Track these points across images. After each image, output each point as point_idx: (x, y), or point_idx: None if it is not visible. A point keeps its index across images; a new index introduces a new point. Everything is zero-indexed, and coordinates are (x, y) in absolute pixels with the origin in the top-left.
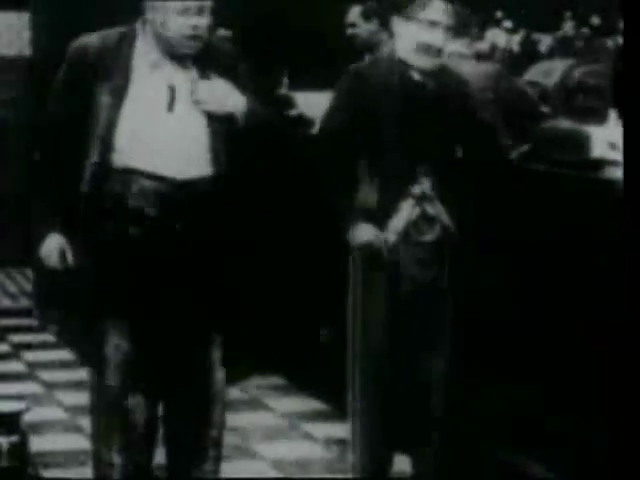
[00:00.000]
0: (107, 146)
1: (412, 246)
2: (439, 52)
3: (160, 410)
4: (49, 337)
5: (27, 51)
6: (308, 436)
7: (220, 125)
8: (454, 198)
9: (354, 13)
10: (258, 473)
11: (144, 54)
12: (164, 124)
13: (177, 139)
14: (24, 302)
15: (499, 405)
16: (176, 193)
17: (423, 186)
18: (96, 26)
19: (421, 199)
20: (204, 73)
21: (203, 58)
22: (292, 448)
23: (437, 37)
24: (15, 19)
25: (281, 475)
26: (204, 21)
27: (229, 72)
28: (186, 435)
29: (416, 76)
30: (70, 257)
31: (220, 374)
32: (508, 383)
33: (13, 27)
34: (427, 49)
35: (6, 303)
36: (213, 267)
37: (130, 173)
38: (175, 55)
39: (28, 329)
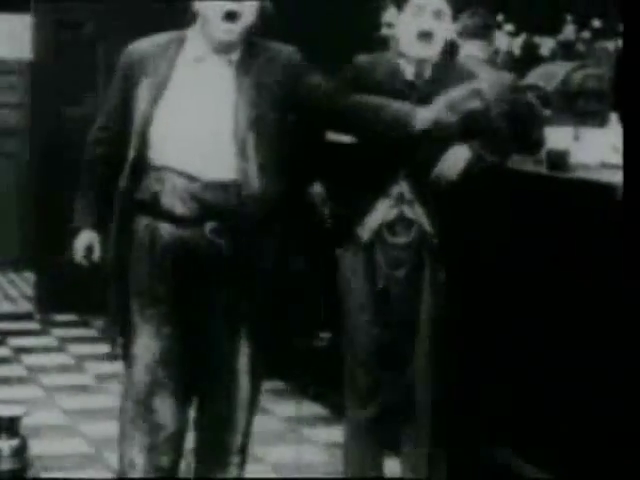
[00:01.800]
0: (143, 142)
1: (384, 246)
2: (433, 37)
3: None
4: (49, 341)
5: (28, 54)
6: (308, 440)
7: (250, 126)
8: (435, 201)
9: (391, 13)
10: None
11: (190, 52)
12: (199, 122)
13: (210, 138)
14: (24, 306)
15: (498, 405)
16: (206, 193)
17: (402, 187)
18: (99, 29)
19: (399, 200)
20: (247, 69)
21: (248, 54)
22: (292, 452)
23: (427, 21)
24: (16, 22)
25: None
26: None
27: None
28: (210, 440)
29: (407, 75)
30: (97, 255)
31: (246, 381)
32: (508, 383)
33: (14, 30)
34: (421, 35)
35: (6, 307)
36: (242, 269)
37: (164, 170)
38: (215, 43)
39: (28, 333)
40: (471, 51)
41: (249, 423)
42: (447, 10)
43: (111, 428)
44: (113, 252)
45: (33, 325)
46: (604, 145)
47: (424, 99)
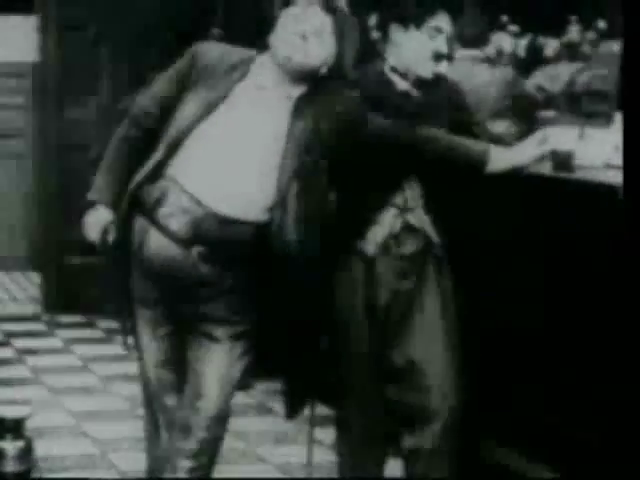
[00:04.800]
0: (172, 150)
1: (390, 258)
2: (442, 59)
3: None
4: (55, 342)
5: (33, 56)
6: (315, 440)
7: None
8: (440, 207)
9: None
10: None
11: (253, 78)
12: (233, 156)
13: (238, 174)
14: (30, 307)
15: (500, 405)
16: (205, 221)
17: (405, 195)
18: (101, 31)
19: (404, 209)
20: (304, 111)
21: (309, 94)
22: (298, 452)
23: (443, 44)
24: (21, 23)
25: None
26: (316, 40)
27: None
28: (169, 442)
29: (401, 86)
30: (111, 237)
31: (215, 385)
32: (508, 383)
33: (19, 31)
34: (436, 57)
35: (12, 308)
36: (225, 296)
37: (174, 183)
38: (281, 67)
39: (34, 334)
40: (467, 53)
41: (211, 429)
42: (449, 30)
43: (117, 429)
44: (116, 239)
45: (39, 326)
46: (609, 146)
47: (417, 109)
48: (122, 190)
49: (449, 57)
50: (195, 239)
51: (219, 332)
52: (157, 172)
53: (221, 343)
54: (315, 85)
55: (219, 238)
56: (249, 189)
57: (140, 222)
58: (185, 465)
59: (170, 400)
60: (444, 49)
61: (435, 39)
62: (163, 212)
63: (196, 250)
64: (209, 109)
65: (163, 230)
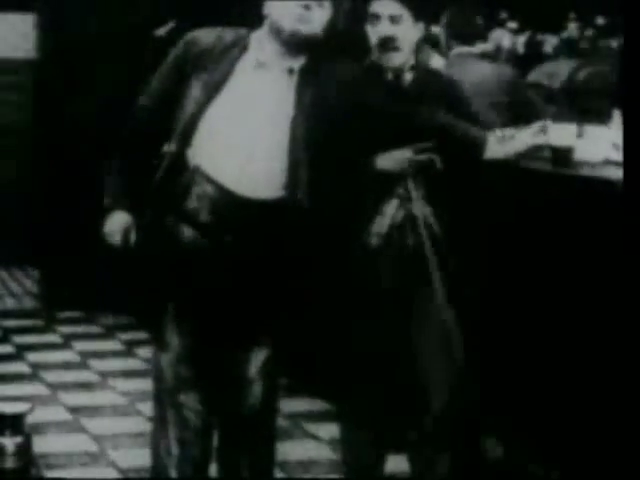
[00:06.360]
0: (185, 140)
1: (393, 249)
2: (390, 42)
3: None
4: (54, 338)
5: (32, 53)
6: (313, 436)
7: (303, 148)
8: (443, 199)
9: None
10: None
11: (252, 56)
12: (248, 136)
13: (258, 154)
14: (28, 303)
15: (499, 404)
16: (233, 207)
17: (408, 186)
18: (99, 28)
19: (406, 200)
20: (308, 82)
21: (311, 66)
22: (297, 448)
23: (384, 28)
24: (20, 21)
25: (285, 476)
26: (318, 8)
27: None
28: (220, 442)
29: (390, 76)
30: (133, 237)
31: (257, 388)
32: (508, 382)
33: (18, 29)
34: (381, 42)
35: (10, 304)
36: (256, 279)
37: (198, 173)
38: (285, 40)
39: (32, 330)
40: (464, 47)
41: (261, 426)
42: (405, 13)
43: (116, 425)
44: (142, 241)
45: (37, 322)
46: (607, 142)
47: (408, 104)
48: (137, 191)
49: (441, 51)
50: (224, 228)
51: (254, 325)
52: (175, 165)
53: (257, 337)
54: (314, 54)
55: (246, 223)
56: (265, 167)
57: (167, 219)
58: (243, 462)
59: (185, 397)
60: (386, 32)
61: (376, 24)
62: (191, 205)
63: (229, 238)
64: (214, 92)
65: (193, 223)
